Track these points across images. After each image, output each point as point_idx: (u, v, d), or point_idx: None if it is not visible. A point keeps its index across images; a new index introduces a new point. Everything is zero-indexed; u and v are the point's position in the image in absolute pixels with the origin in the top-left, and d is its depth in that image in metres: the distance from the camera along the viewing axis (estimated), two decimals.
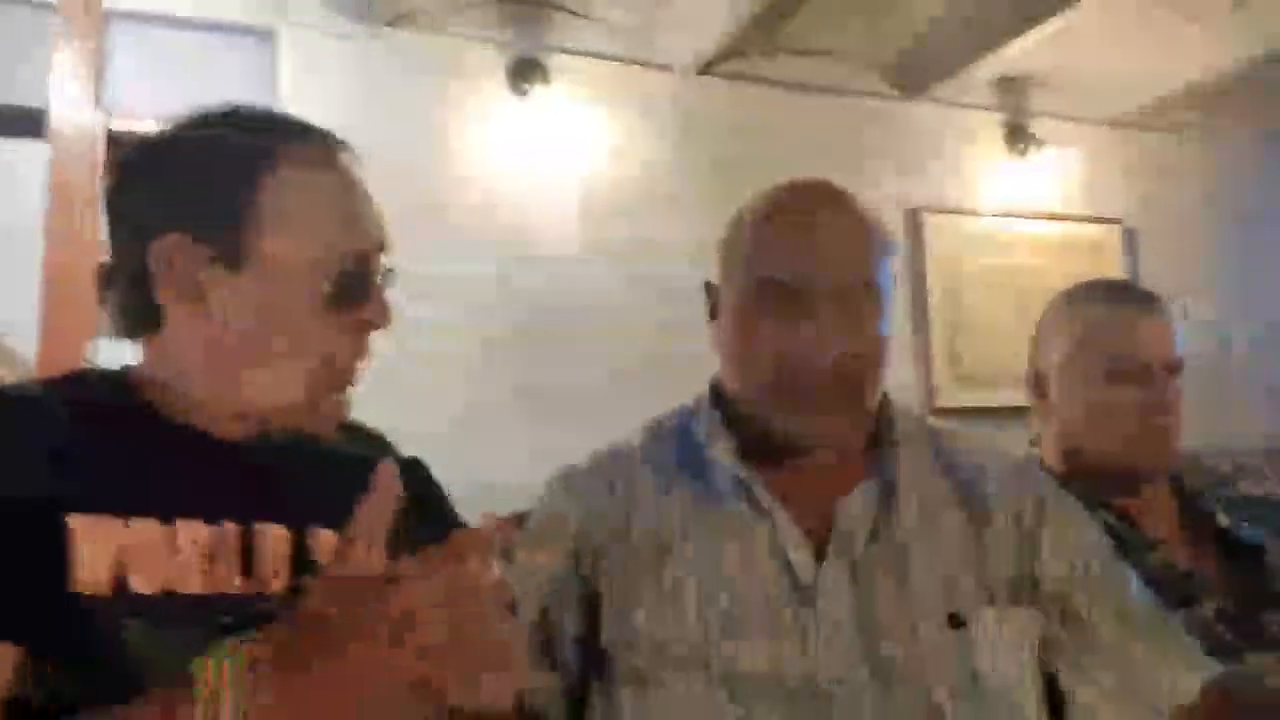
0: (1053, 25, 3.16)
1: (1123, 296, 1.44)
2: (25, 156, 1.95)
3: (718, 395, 1.13)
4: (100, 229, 0.92)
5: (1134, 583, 1.07)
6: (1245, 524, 1.39)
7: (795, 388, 1.02)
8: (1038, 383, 1.48)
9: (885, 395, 1.12)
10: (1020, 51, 3.35)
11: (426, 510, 0.94)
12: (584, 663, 1.03)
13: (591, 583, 1.04)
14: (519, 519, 1.11)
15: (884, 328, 1.06)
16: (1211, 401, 1.58)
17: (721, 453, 1.06)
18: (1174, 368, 1.38)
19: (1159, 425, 1.36)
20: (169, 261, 0.83)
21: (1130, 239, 3.87)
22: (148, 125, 0.90)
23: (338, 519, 0.74)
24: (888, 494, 1.04)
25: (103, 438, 0.81)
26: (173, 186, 0.85)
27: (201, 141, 0.87)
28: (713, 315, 1.14)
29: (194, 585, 0.78)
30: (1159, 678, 1.00)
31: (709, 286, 1.14)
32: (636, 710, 0.97)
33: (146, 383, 0.87)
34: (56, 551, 0.73)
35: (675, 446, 1.12)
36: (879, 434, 1.09)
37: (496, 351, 2.91)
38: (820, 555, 1.00)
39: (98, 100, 1.79)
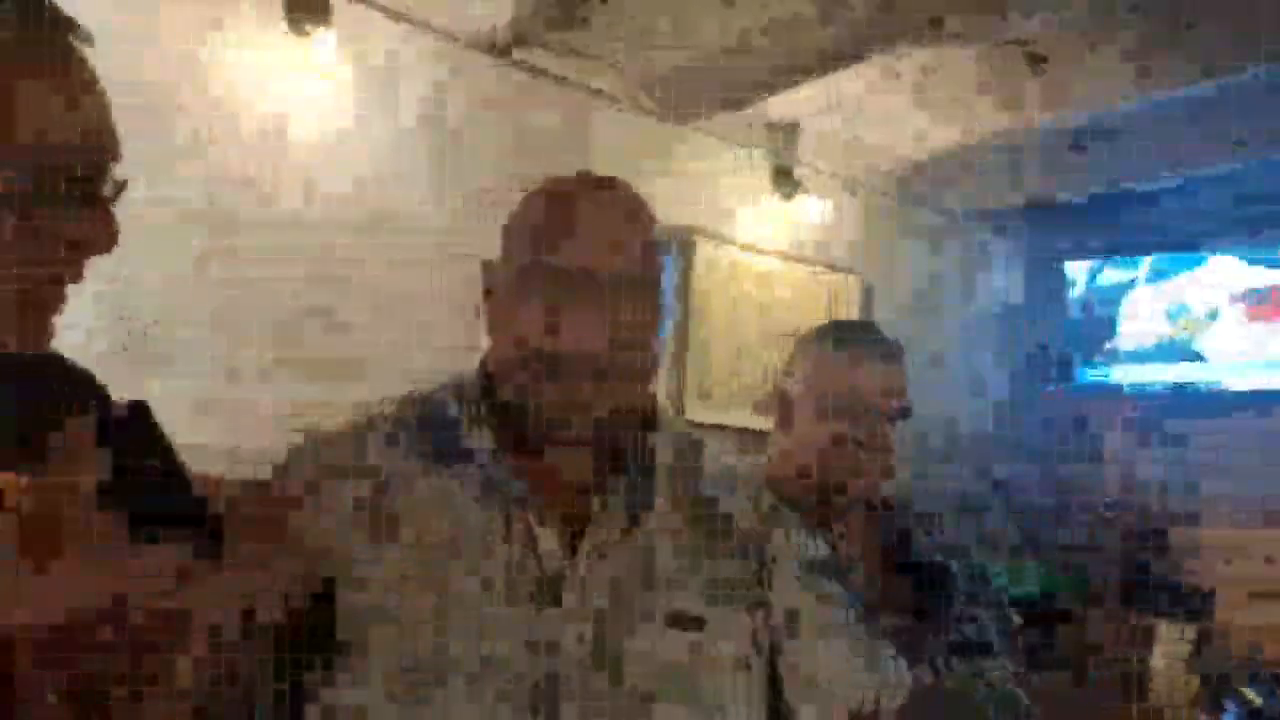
0: (820, 84, 3.38)
1: (862, 340, 1.56)
2: None
3: (484, 378, 1.10)
4: None
5: (844, 596, 1.16)
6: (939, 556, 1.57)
7: (565, 375, 1.01)
8: (779, 407, 1.59)
9: (652, 395, 1.13)
10: (790, 101, 3.56)
11: (150, 453, 0.87)
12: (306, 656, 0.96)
13: (325, 567, 0.97)
14: (261, 486, 1.05)
15: (659, 326, 1.07)
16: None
17: (478, 439, 1.04)
18: (893, 412, 1.50)
19: (871, 462, 1.49)
20: None
21: (867, 289, 4.21)
22: None
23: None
24: (643, 493, 1.06)
25: None
26: None
27: None
28: (488, 295, 1.11)
29: None
30: (864, 682, 1.09)
31: (486, 264, 1.11)
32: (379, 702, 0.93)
33: None
34: None
35: (432, 426, 1.07)
36: (643, 433, 1.10)
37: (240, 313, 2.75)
38: (571, 549, 1.00)
39: None
